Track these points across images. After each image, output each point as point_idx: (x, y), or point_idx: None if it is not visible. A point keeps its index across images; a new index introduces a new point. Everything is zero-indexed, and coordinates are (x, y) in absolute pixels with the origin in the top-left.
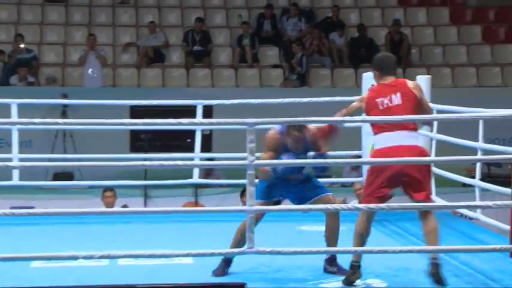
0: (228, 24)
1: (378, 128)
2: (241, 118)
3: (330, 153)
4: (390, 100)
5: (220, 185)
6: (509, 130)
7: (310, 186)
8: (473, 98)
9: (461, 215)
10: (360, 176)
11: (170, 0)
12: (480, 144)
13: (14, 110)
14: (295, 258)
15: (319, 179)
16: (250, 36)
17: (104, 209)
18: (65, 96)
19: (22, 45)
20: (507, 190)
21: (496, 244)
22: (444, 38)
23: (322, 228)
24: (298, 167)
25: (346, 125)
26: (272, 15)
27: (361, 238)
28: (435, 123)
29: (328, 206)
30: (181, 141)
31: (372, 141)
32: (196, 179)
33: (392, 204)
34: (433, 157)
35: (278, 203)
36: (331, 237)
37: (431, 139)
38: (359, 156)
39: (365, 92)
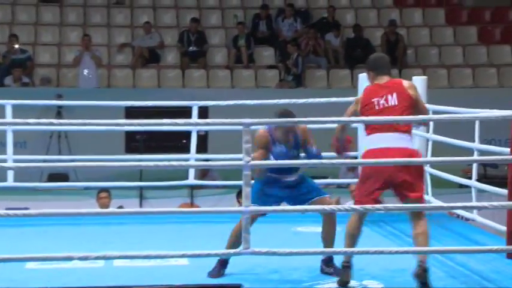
0: (224, 24)
1: (371, 128)
2: (237, 119)
3: (326, 153)
4: (386, 100)
5: (216, 186)
6: (506, 131)
7: (306, 188)
8: (469, 98)
9: (458, 215)
10: (357, 177)
11: (165, 0)
12: (476, 145)
13: (8, 111)
14: (292, 259)
15: (315, 180)
16: (245, 36)
17: (99, 209)
18: (59, 97)
19: (16, 46)
20: (503, 191)
21: (492, 245)
22: (440, 38)
23: (319, 229)
24: (292, 160)
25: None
26: (268, 16)
27: (353, 238)
28: (431, 124)
29: (325, 206)
30: (176, 142)
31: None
32: (192, 180)
33: (388, 205)
34: (429, 158)
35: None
36: (328, 238)
37: (428, 140)
38: (356, 157)
39: (361, 93)
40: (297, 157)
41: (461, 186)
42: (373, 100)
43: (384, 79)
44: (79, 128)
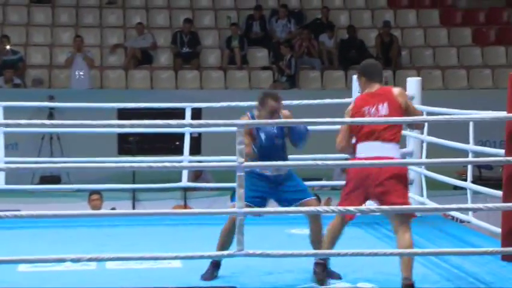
0: (217, 25)
1: (359, 137)
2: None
3: (320, 155)
4: (377, 109)
5: (210, 188)
6: (500, 132)
7: (293, 187)
8: (463, 100)
9: (453, 217)
10: None
11: (158, 1)
12: (471, 146)
13: None
14: (285, 261)
15: (310, 183)
16: (239, 37)
17: (91, 211)
18: (51, 98)
19: (8, 47)
20: (498, 193)
21: (487, 247)
22: (434, 39)
23: None
24: (278, 137)
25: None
26: (261, 17)
27: (334, 240)
28: (425, 125)
29: (312, 208)
30: (170, 144)
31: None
32: (185, 182)
33: (384, 206)
34: (423, 159)
35: (263, 204)
36: (316, 239)
37: (422, 141)
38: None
39: (355, 94)
40: (283, 146)
41: (456, 188)
42: (363, 109)
43: (375, 87)
44: (71, 129)
